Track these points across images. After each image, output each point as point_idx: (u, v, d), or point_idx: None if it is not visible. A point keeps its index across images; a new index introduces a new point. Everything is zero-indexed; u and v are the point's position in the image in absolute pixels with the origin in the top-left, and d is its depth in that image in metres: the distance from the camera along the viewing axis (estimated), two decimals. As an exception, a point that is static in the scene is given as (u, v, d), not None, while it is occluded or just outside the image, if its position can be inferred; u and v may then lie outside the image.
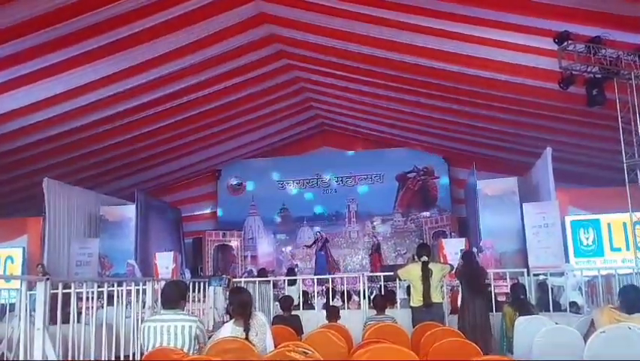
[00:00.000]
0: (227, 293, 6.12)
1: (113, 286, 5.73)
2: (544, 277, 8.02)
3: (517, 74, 9.39)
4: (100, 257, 12.21)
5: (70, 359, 4.60)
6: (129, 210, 12.99)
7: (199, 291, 7.70)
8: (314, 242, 16.28)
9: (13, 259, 12.33)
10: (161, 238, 14.37)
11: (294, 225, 16.77)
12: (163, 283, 5.39)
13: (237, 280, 9.32)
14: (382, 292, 8.27)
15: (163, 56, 9.51)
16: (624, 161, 8.55)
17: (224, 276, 8.36)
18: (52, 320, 4.46)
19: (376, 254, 15.53)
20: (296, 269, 14.47)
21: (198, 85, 11.00)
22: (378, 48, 9.91)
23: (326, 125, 16.38)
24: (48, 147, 11.14)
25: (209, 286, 7.76)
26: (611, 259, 10.61)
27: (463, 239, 11.79)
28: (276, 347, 4.24)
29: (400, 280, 7.78)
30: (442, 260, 9.82)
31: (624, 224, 10.15)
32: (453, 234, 14.23)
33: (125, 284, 5.75)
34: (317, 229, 16.50)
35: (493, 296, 7.60)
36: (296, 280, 9.91)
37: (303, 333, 6.30)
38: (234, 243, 15.93)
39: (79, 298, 5.10)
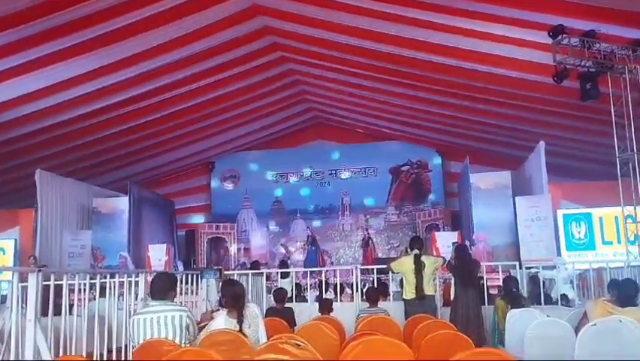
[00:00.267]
0: (220, 285, 6.11)
1: (106, 278, 5.71)
2: (536, 270, 8.05)
3: (512, 67, 9.39)
4: (92, 249, 12.19)
5: (61, 351, 4.59)
6: (122, 203, 12.97)
7: (192, 283, 7.69)
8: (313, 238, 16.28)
9: (4, 250, 12.32)
10: (154, 230, 14.34)
11: (288, 218, 16.79)
12: (155, 275, 5.38)
13: (230, 272, 9.31)
14: (375, 285, 8.28)
15: (156, 47, 9.46)
16: (617, 155, 8.59)
17: (215, 268, 8.35)
18: (44, 312, 4.45)
19: (367, 248, 15.54)
20: (289, 261, 14.48)
21: (192, 77, 10.95)
22: (372, 41, 9.88)
23: (320, 118, 16.36)
24: (40, 138, 11.07)
25: (201, 278, 7.74)
26: (602, 253, 10.68)
27: (456, 232, 11.81)
28: (268, 338, 4.25)
29: (392, 272, 7.79)
30: (434, 253, 9.85)
31: (616, 218, 10.22)
32: (446, 227, 14.26)
33: (117, 276, 5.73)
34: (303, 223, 16.48)
35: (485, 289, 7.63)
36: (289, 272, 9.90)
37: (295, 325, 6.31)
38: (227, 235, 15.92)
39: (71, 290, 5.07)
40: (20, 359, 4.00)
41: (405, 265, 6.93)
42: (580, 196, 11.46)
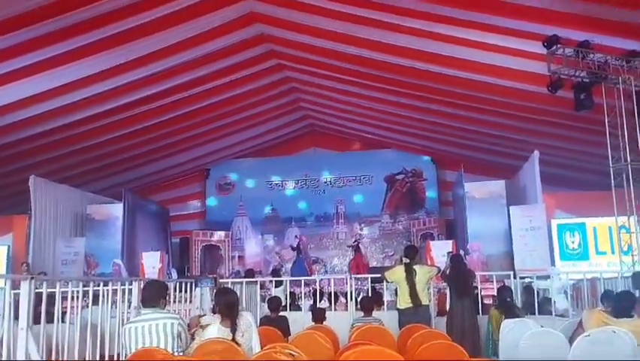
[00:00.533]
0: (214, 294, 6.08)
1: (99, 286, 5.67)
2: (531, 280, 8.05)
3: (507, 77, 9.43)
4: (86, 256, 12.14)
5: (54, 359, 4.55)
6: (116, 209, 12.91)
7: (185, 291, 7.66)
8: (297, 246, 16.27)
9: (-3, 257, 12.21)
10: (148, 237, 14.29)
11: (282, 225, 16.74)
12: (149, 283, 5.35)
13: (224, 280, 9.28)
14: (369, 294, 8.27)
15: (152, 54, 9.46)
16: (611, 165, 8.61)
17: (210, 277, 8.33)
18: (37, 320, 4.42)
19: (358, 255, 15.48)
20: (282, 270, 14.45)
21: (188, 83, 10.95)
22: (368, 49, 9.91)
23: (315, 125, 16.37)
24: (34, 144, 11.04)
25: (196, 287, 7.73)
26: (596, 263, 10.68)
27: (451, 241, 11.82)
28: (262, 348, 4.23)
29: (387, 281, 7.78)
30: (429, 262, 9.85)
31: (610, 228, 10.22)
32: (440, 236, 14.27)
33: (110, 284, 5.70)
34: (297, 231, 16.46)
35: (479, 299, 7.63)
36: (282, 281, 9.87)
37: (290, 334, 6.28)
38: (222, 243, 15.87)
39: (63, 298, 5.04)
40: (12, 367, 3.97)
41: (398, 274, 6.92)
42: (574, 206, 11.48)
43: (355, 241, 15.49)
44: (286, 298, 8.52)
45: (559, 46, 7.86)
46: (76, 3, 7.63)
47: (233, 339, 4.17)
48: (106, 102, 10.52)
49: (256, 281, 9.19)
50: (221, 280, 8.92)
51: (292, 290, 9.74)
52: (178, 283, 7.66)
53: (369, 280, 8.81)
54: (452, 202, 15.27)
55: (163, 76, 10.31)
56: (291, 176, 16.96)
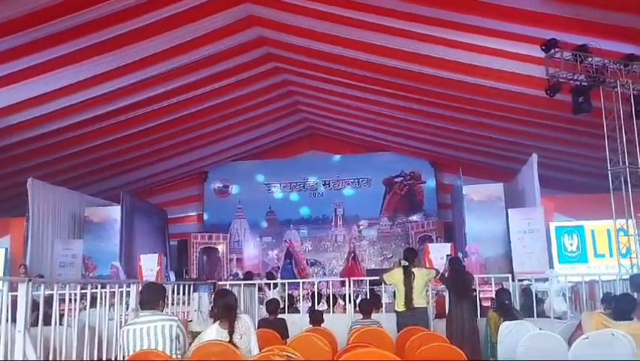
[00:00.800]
0: (212, 296, 6.08)
1: (97, 288, 5.67)
2: (529, 282, 8.05)
3: (505, 80, 9.45)
4: (84, 258, 12.12)
5: (51, 361, 4.55)
6: (114, 212, 12.90)
7: (184, 294, 7.65)
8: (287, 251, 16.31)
9: (-5, 259, 12.18)
10: (146, 239, 14.27)
11: (281, 228, 16.72)
12: (147, 285, 5.34)
13: (223, 283, 9.27)
14: (368, 297, 8.26)
15: (150, 57, 9.47)
16: (609, 168, 8.62)
17: (209, 282, 8.35)
18: (34, 322, 4.41)
19: (353, 262, 15.49)
20: (276, 273, 14.45)
21: (186, 87, 10.96)
22: (367, 53, 9.92)
23: (314, 128, 16.38)
24: (33, 146, 11.04)
25: (194, 292, 7.75)
26: (594, 266, 10.69)
27: (449, 244, 11.81)
28: (260, 350, 4.22)
29: (385, 284, 7.77)
30: (427, 265, 9.83)
31: (608, 231, 10.23)
32: (439, 239, 14.27)
33: (108, 286, 5.69)
34: (295, 234, 16.48)
35: (478, 301, 7.62)
36: (277, 283, 9.82)
37: (288, 337, 6.27)
38: (220, 246, 15.85)
39: (61, 300, 5.03)
40: (9, 369, 3.96)
41: (396, 276, 6.91)
42: (572, 209, 11.50)
43: (351, 251, 15.54)
44: (283, 301, 8.50)
45: (557, 49, 7.87)
46: (75, 6, 7.63)
47: (231, 341, 4.18)
48: (104, 105, 10.52)
49: (254, 284, 9.18)
50: (219, 283, 8.92)
51: (290, 293, 9.73)
52: (176, 286, 7.65)
53: (368, 282, 8.79)
54: (451, 205, 15.27)
55: (161, 79, 10.32)
56: (290, 179, 16.95)
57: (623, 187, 8.51)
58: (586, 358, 4.15)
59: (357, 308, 7.44)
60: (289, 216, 16.77)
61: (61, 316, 5.06)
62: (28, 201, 11.02)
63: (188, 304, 7.72)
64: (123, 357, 4.10)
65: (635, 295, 5.67)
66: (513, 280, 8.03)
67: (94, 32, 8.30)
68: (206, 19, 9.06)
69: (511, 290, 7.39)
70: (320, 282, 10.79)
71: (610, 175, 8.61)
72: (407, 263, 6.87)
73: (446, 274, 7.13)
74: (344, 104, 13.47)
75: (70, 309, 5.03)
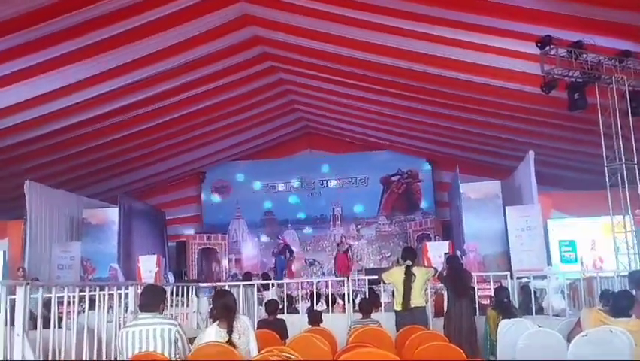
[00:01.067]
0: (211, 297, 6.10)
1: (95, 291, 5.66)
2: (527, 280, 8.07)
3: (500, 77, 9.46)
4: (82, 261, 12.09)
5: (50, 364, 4.54)
6: (112, 213, 12.87)
7: (182, 295, 7.65)
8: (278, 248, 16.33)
9: (-7, 262, 12.15)
10: (144, 241, 14.24)
11: (279, 228, 16.72)
12: (146, 287, 5.34)
13: (221, 283, 9.28)
14: (367, 296, 8.26)
15: (146, 57, 9.45)
16: (605, 165, 8.64)
17: (209, 285, 8.39)
18: (33, 325, 4.41)
19: (343, 255, 15.55)
20: (270, 273, 14.46)
21: (182, 87, 10.94)
22: (362, 51, 9.92)
23: (310, 127, 16.37)
24: (30, 148, 11.00)
25: (196, 296, 7.77)
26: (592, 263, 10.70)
27: (447, 242, 11.82)
28: (260, 351, 4.22)
29: (384, 283, 7.77)
30: (425, 263, 9.84)
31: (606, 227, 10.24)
32: (437, 237, 14.28)
33: (107, 288, 5.68)
34: (293, 233, 16.51)
35: (476, 299, 7.64)
36: (272, 284, 9.81)
37: (287, 337, 6.28)
38: (218, 246, 15.85)
39: (60, 303, 5.02)
40: (8, 373, 3.95)
41: (395, 275, 6.90)
42: (569, 206, 11.51)
43: (341, 244, 15.61)
44: (282, 301, 8.50)
45: (552, 46, 7.88)
46: (69, 7, 7.61)
47: (230, 340, 4.20)
48: (100, 106, 10.50)
49: (253, 284, 9.18)
50: (218, 283, 8.92)
51: (290, 293, 9.73)
52: (175, 287, 7.64)
53: (367, 281, 8.80)
54: (448, 203, 15.29)
55: (157, 79, 10.30)
56: (287, 178, 16.96)
57: (620, 184, 8.54)
58: (585, 355, 4.16)
59: (357, 308, 7.45)
60: (287, 216, 16.77)
61: (60, 319, 5.06)
62: (26, 203, 10.98)
63: (187, 305, 7.71)
64: (122, 359, 4.09)
65: (634, 291, 5.70)
66: (511, 277, 8.05)
67: (89, 33, 8.28)
68: (202, 19, 9.04)
69: (509, 288, 7.42)
70: (319, 282, 10.79)
71: (606, 172, 8.63)
72: (411, 263, 6.84)
73: (444, 273, 7.14)
74: (340, 103, 13.47)
75: (69, 312, 5.02)
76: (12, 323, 4.08)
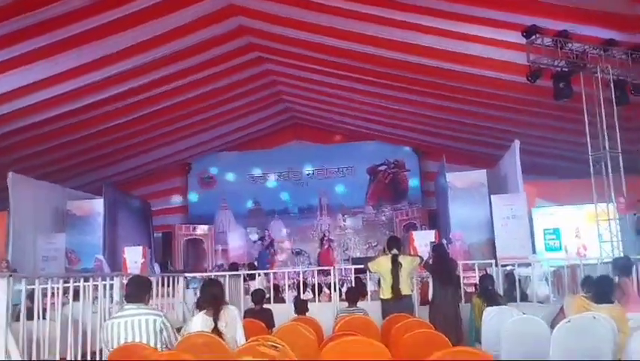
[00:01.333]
0: (200, 286, 6.10)
1: (80, 282, 5.62)
2: (512, 268, 8.13)
3: (486, 67, 9.49)
4: (67, 252, 12.02)
5: (34, 356, 4.50)
6: (97, 205, 12.78)
7: (168, 286, 7.62)
8: (261, 238, 16.33)
9: (-24, 255, 12.03)
10: (130, 232, 14.16)
11: (266, 218, 16.71)
12: (131, 278, 5.31)
13: (207, 274, 9.26)
14: (354, 285, 8.29)
15: (131, 48, 9.36)
16: (590, 153, 8.71)
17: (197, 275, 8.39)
18: (17, 317, 4.37)
19: (326, 251, 15.60)
20: (255, 263, 14.47)
21: (168, 77, 10.85)
22: (348, 41, 9.90)
23: (297, 118, 16.34)
24: (13, 140, 10.87)
25: (187, 288, 7.75)
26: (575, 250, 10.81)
27: (433, 231, 11.87)
28: (247, 340, 4.23)
29: (370, 272, 7.81)
30: (411, 252, 9.88)
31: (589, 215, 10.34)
32: (423, 226, 14.35)
33: (91, 279, 5.65)
34: (281, 224, 16.52)
35: (461, 287, 7.69)
36: (254, 274, 9.81)
37: (274, 326, 6.29)
38: (205, 237, 15.81)
39: (44, 294, 4.98)
40: (-9, 365, 3.92)
41: (382, 265, 6.94)
42: (554, 194, 11.60)
43: (325, 238, 15.68)
44: (268, 291, 8.50)
45: (538, 35, 7.93)
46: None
47: (216, 328, 4.24)
48: (84, 97, 10.39)
49: (239, 274, 9.17)
50: (204, 274, 8.91)
51: (276, 282, 9.74)
52: (161, 278, 7.61)
53: (353, 270, 8.83)
54: (434, 192, 15.35)
55: (143, 70, 10.21)
56: (274, 169, 16.93)
57: (604, 172, 8.61)
58: (568, 341, 4.20)
59: (344, 297, 7.47)
60: (274, 207, 16.75)
61: (44, 310, 5.02)
62: (9, 195, 10.87)
63: (173, 296, 7.69)
64: (108, 351, 4.08)
65: (617, 278, 5.77)
66: (496, 265, 8.10)
67: (73, 23, 8.19)
68: (188, 9, 8.96)
69: (494, 276, 7.48)
70: (305, 271, 10.80)
71: (591, 160, 8.70)
72: (397, 252, 6.89)
73: (430, 261, 7.17)
74: (327, 93, 13.44)
75: (53, 303, 4.99)
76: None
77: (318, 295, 8.74)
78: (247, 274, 9.49)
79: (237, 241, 16.43)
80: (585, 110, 8.62)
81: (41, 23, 7.93)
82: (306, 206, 16.71)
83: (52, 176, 12.80)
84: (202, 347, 3.91)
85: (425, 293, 7.65)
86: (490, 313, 5.54)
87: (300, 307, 6.64)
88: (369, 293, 8.21)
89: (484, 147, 13.90)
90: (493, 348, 4.89)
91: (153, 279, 7.04)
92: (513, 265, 8.19)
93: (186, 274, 8.48)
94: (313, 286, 8.86)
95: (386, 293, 6.82)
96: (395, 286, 6.71)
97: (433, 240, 10.21)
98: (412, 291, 7.13)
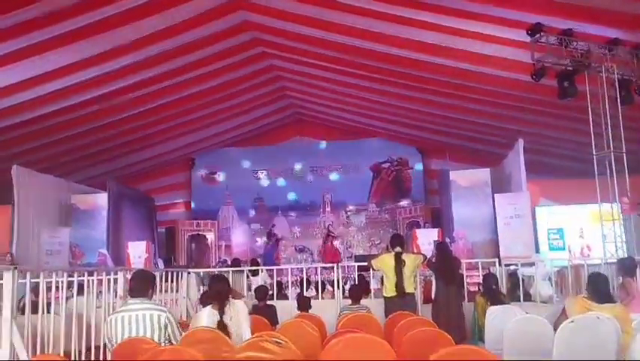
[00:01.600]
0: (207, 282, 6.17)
1: (84, 276, 5.63)
2: (515, 267, 8.12)
3: (491, 65, 9.47)
4: (71, 246, 12.05)
5: (39, 350, 4.52)
6: (101, 199, 12.82)
7: (172, 281, 7.63)
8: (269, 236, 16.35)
9: (-20, 248, 12.06)
10: (133, 227, 14.20)
11: (269, 214, 16.73)
12: (135, 273, 5.32)
13: (211, 270, 9.28)
14: (357, 282, 8.29)
15: (136, 42, 9.36)
16: (594, 153, 8.69)
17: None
18: (21, 310, 4.38)
19: (330, 246, 15.61)
20: (259, 260, 14.48)
21: (172, 72, 10.85)
22: (353, 37, 9.89)
23: (301, 114, 16.33)
24: (17, 133, 10.90)
25: (203, 286, 7.79)
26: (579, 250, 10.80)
27: (436, 229, 11.90)
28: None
29: (373, 269, 7.81)
30: (414, 250, 9.89)
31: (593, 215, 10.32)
32: (426, 224, 14.35)
33: (95, 274, 5.66)
34: (284, 220, 16.52)
35: (465, 286, 7.69)
36: (258, 270, 9.82)
37: (277, 323, 6.30)
38: (208, 232, 15.83)
39: (48, 288, 5.00)
40: (-4, 358, 3.93)
41: (386, 262, 6.94)
42: (558, 193, 11.59)
43: (329, 233, 15.69)
44: (271, 288, 8.51)
45: (542, 34, 7.90)
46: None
47: (221, 320, 4.35)
48: (89, 91, 10.41)
49: (242, 270, 9.18)
50: (207, 270, 8.94)
51: (279, 279, 9.74)
52: (164, 273, 7.63)
53: (356, 268, 8.83)
54: (438, 190, 15.34)
55: (147, 64, 10.21)
56: (278, 165, 16.93)
57: (608, 172, 8.59)
58: (572, 341, 4.20)
59: (347, 294, 7.48)
60: (277, 203, 16.76)
61: (49, 304, 5.03)
62: (14, 188, 10.89)
63: (177, 291, 7.70)
64: (112, 345, 4.09)
65: (621, 278, 5.76)
66: (500, 264, 8.10)
67: (79, 16, 8.18)
68: (192, 3, 8.95)
69: (497, 275, 7.47)
70: (309, 268, 10.81)
71: (595, 160, 8.68)
72: (400, 250, 6.90)
73: (433, 260, 7.18)
74: (331, 90, 13.43)
75: (58, 297, 5.00)
76: (-1, 309, 4.06)
77: (322, 292, 8.74)
78: (250, 271, 9.49)
79: (241, 237, 16.45)
80: (590, 110, 8.59)
81: (45, 15, 7.93)
82: (309, 203, 16.72)
83: (57, 169, 12.83)
84: (206, 342, 3.93)
85: (428, 291, 7.67)
86: (493, 312, 5.53)
87: (303, 304, 6.65)
88: (372, 291, 8.20)
89: (488, 146, 13.87)
90: (496, 347, 4.89)
91: (157, 274, 7.07)
92: (516, 264, 8.18)
93: (190, 270, 8.49)
94: (316, 283, 8.86)
95: (389, 291, 6.81)
96: (398, 284, 6.71)
97: (437, 238, 10.23)
98: (415, 289, 7.13)
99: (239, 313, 4.51)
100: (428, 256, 7.29)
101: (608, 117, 8.54)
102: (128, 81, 10.59)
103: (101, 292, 5.63)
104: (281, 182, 16.98)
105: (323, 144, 16.81)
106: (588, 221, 10.61)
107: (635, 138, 9.09)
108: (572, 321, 4.30)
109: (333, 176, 16.74)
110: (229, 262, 13.63)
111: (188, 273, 8.14)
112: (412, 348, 3.96)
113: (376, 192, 16.53)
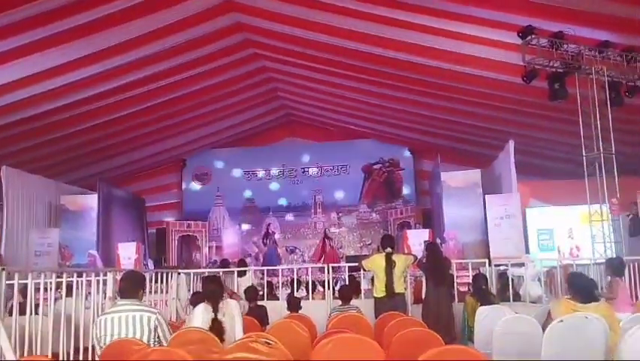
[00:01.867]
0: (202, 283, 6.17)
1: (73, 277, 5.60)
2: (505, 267, 8.15)
3: (482, 67, 9.51)
4: (60, 247, 11.97)
5: (26, 351, 4.49)
6: (91, 200, 12.77)
7: (162, 282, 7.61)
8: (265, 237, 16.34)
9: (-32, 249, 11.97)
10: (123, 228, 14.15)
11: (260, 216, 16.70)
12: (124, 274, 5.30)
13: (201, 270, 9.25)
14: (347, 283, 8.29)
15: (127, 42, 9.32)
16: (584, 154, 8.75)
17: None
18: (9, 311, 4.36)
19: (330, 246, 15.61)
20: (248, 259, 14.45)
21: (163, 73, 10.82)
22: (345, 39, 9.90)
23: (292, 115, 16.32)
24: (6, 133, 10.80)
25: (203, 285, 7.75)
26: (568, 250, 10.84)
27: (427, 230, 11.92)
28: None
29: (364, 270, 7.82)
30: (405, 251, 9.91)
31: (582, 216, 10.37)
32: (417, 225, 14.37)
33: (84, 275, 5.62)
34: (275, 221, 16.51)
35: (455, 286, 7.71)
36: (246, 271, 9.79)
37: (268, 323, 6.30)
38: (199, 234, 15.78)
39: (36, 289, 4.96)
40: (-17, 359, 3.90)
41: (376, 263, 6.95)
42: (548, 194, 11.62)
43: (326, 236, 15.68)
44: (261, 288, 8.49)
45: (533, 36, 7.95)
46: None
47: (216, 318, 4.50)
48: (79, 92, 10.35)
49: (232, 271, 9.16)
50: (197, 270, 8.91)
51: (270, 280, 9.72)
52: (154, 274, 7.60)
53: (347, 268, 8.83)
54: (429, 191, 15.39)
55: (138, 65, 10.17)
56: (269, 166, 16.92)
57: (598, 173, 8.64)
58: (561, 341, 4.21)
59: (337, 295, 7.47)
60: (269, 204, 16.74)
61: (37, 305, 5.00)
62: (3, 189, 10.83)
63: (167, 292, 7.68)
64: (100, 346, 4.06)
65: (609, 278, 5.79)
66: (490, 265, 8.12)
67: (69, 17, 8.15)
68: (184, 4, 8.94)
69: (488, 275, 7.50)
70: (299, 269, 10.80)
71: (585, 161, 8.74)
72: (391, 250, 6.92)
73: (424, 260, 7.19)
74: (323, 91, 13.44)
75: (46, 298, 4.97)
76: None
77: (312, 292, 8.74)
78: (237, 271, 9.47)
79: (231, 238, 16.41)
80: (580, 111, 8.65)
81: (35, 16, 7.89)
82: (300, 204, 16.72)
83: (47, 170, 12.76)
84: (196, 343, 3.92)
85: (418, 292, 7.68)
86: (483, 312, 5.54)
87: (293, 304, 6.65)
88: (362, 291, 8.21)
89: (479, 147, 13.92)
90: (486, 347, 4.89)
91: (147, 275, 7.04)
92: (506, 264, 8.21)
93: (180, 271, 8.46)
94: (307, 283, 8.86)
95: (379, 291, 6.83)
96: (388, 285, 6.73)
97: (427, 239, 10.25)
98: (405, 289, 7.15)
99: (233, 311, 4.64)
100: (419, 257, 7.31)
101: (598, 119, 8.60)
102: (119, 82, 10.53)
103: (89, 293, 5.59)
104: (272, 183, 16.96)
105: (315, 145, 16.80)
106: (578, 222, 10.63)
107: (624, 140, 9.16)
108: (561, 321, 4.31)
109: (325, 177, 16.74)
110: (219, 263, 13.63)
111: (179, 274, 8.11)
112: (402, 348, 3.97)
113: (367, 193, 16.54)
